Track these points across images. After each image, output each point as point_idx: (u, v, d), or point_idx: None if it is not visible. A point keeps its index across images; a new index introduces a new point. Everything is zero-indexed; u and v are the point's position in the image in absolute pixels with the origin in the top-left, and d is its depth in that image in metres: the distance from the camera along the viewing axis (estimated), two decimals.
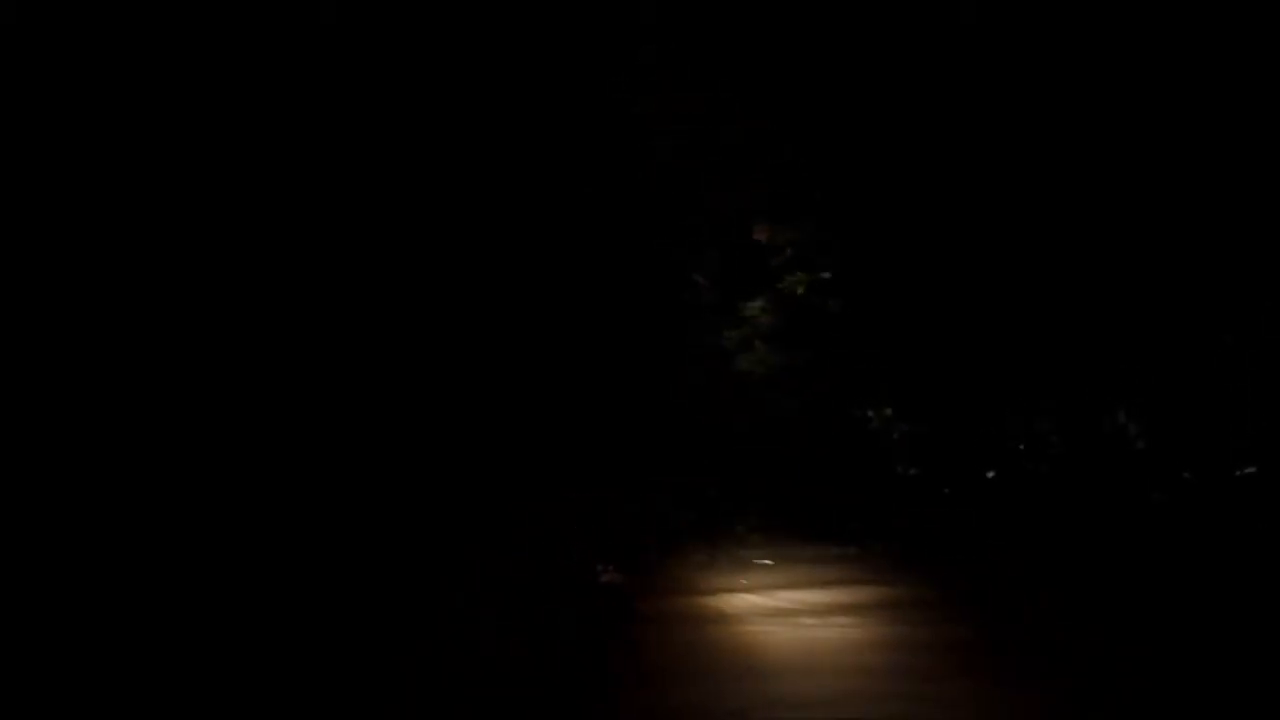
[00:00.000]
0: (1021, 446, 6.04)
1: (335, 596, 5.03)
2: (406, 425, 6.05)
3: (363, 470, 5.82)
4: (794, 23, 6.74)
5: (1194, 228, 6.15)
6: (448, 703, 4.15)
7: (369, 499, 5.71)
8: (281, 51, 6.00)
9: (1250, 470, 5.63)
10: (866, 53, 6.67)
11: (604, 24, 6.57)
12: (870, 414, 6.55)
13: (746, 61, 6.76)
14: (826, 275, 6.84)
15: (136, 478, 5.40)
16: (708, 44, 6.75)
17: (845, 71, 6.72)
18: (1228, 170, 6.12)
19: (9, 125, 5.59)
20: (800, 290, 6.85)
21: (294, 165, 6.03)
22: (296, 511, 5.54)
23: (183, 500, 5.40)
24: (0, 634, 4.41)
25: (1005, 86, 6.46)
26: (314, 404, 5.90)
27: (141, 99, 5.80)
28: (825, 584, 5.46)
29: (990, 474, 6.07)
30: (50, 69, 5.68)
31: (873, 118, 6.71)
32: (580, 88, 6.58)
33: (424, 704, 4.17)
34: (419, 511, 5.75)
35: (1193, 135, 6.18)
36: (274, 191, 6.00)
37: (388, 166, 6.25)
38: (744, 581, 5.52)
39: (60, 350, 5.54)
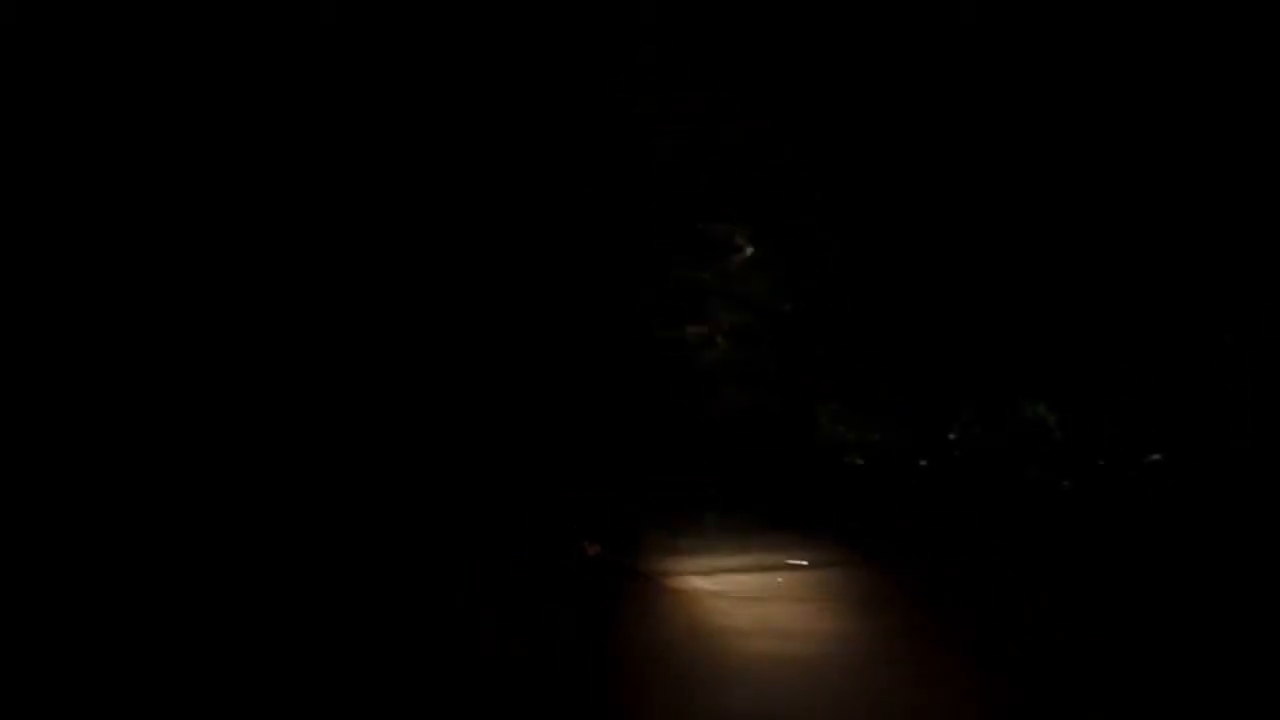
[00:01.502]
0: (951, 436, 6.24)
1: (335, 596, 5.02)
2: (406, 425, 6.05)
3: (362, 470, 5.82)
4: (794, 23, 6.74)
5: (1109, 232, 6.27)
6: (448, 703, 4.15)
7: (368, 499, 5.71)
8: (281, 50, 6.01)
9: (1156, 458, 5.80)
10: (865, 53, 6.67)
11: (604, 24, 6.57)
12: (820, 408, 6.66)
13: (746, 61, 6.75)
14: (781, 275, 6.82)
15: (133, 476, 5.40)
16: (708, 44, 6.75)
17: (844, 71, 6.71)
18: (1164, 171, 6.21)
19: (8, 125, 5.60)
20: (758, 292, 6.83)
21: (292, 164, 6.04)
22: (295, 511, 5.54)
23: (180, 500, 5.40)
24: None
25: (1003, 84, 6.46)
26: (313, 403, 5.90)
27: (140, 98, 5.82)
28: (816, 582, 5.47)
29: (923, 462, 6.27)
30: (50, 68, 5.69)
31: (851, 119, 6.70)
32: (580, 88, 6.59)
33: (424, 704, 4.16)
34: (419, 511, 5.75)
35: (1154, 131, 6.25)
36: (272, 189, 6.01)
37: (386, 166, 6.26)
38: (752, 581, 5.52)
39: (58, 348, 5.54)
